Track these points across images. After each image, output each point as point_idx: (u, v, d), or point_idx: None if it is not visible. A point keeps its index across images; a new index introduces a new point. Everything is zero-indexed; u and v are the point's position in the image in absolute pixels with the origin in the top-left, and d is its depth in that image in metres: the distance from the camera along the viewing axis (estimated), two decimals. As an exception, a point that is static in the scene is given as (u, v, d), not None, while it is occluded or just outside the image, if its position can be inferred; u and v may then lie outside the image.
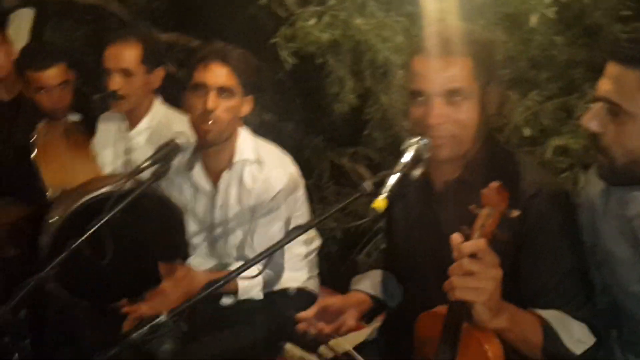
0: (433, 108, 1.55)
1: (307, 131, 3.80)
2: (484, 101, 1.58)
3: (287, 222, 2.28)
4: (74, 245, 1.67)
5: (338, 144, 3.75)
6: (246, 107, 2.19)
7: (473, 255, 1.33)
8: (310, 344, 2.21)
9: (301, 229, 1.52)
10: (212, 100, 2.08)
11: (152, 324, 1.37)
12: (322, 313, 1.75)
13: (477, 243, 1.34)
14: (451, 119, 1.55)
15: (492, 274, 1.33)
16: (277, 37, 2.63)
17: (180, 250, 2.29)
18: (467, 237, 1.37)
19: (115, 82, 2.46)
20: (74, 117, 2.82)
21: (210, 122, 2.09)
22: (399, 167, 1.50)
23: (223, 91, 2.09)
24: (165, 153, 1.94)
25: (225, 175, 2.24)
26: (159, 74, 2.54)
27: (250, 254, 2.23)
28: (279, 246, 1.50)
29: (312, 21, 2.60)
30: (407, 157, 1.52)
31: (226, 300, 2.28)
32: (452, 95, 1.55)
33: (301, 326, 1.74)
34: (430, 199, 1.73)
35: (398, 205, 1.82)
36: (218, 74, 2.09)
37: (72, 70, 2.80)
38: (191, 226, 2.36)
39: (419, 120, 1.58)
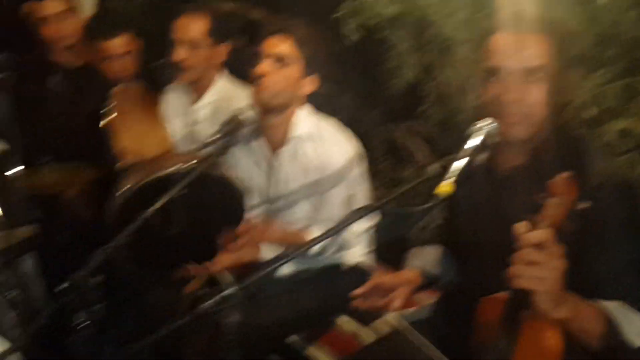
0: (510, 85, 1.55)
1: (363, 104, 3.80)
2: (558, 82, 1.58)
3: (346, 198, 2.32)
4: (145, 215, 1.74)
5: (394, 118, 3.75)
6: (308, 85, 2.21)
7: (538, 245, 1.33)
8: (364, 318, 2.27)
9: (365, 211, 1.55)
10: (264, 65, 2.13)
11: (222, 295, 1.42)
12: (375, 289, 1.79)
13: (543, 233, 1.34)
14: (525, 99, 1.55)
15: (556, 265, 1.33)
16: (341, 11, 2.61)
17: (240, 222, 2.35)
18: (532, 226, 1.38)
19: (180, 53, 2.50)
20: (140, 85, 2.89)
21: (261, 87, 2.14)
22: (465, 151, 1.50)
23: (279, 59, 2.14)
24: (229, 129, 1.98)
25: (282, 150, 2.28)
26: (224, 48, 2.57)
27: (318, 226, 2.27)
28: (344, 225, 1.53)
29: (376, -5, 2.58)
30: (474, 142, 1.52)
31: (284, 270, 2.36)
32: (529, 73, 1.55)
33: (356, 302, 1.78)
34: (495, 183, 1.72)
35: (462, 186, 1.82)
36: (277, 44, 2.15)
37: (138, 40, 2.86)
38: (251, 198, 2.42)
39: (493, 99, 1.58)
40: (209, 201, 2.19)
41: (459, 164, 1.48)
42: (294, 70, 2.16)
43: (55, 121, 2.91)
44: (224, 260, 2.23)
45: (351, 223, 1.54)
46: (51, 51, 2.95)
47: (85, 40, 2.89)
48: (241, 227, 2.16)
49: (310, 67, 2.18)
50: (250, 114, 2.08)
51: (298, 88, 2.20)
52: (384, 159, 3.70)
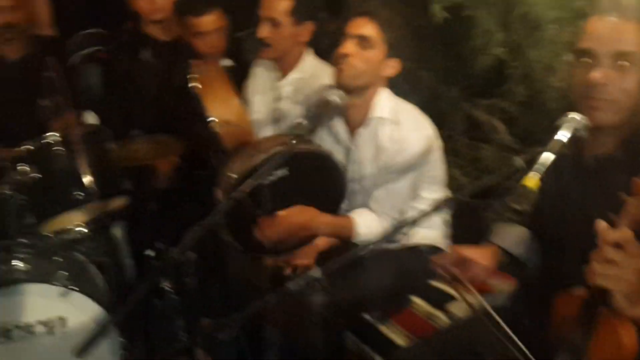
0: (600, 67, 1.54)
1: (444, 81, 3.76)
2: None
3: (420, 184, 2.32)
4: (236, 195, 1.80)
5: (474, 95, 3.69)
6: (390, 68, 2.22)
7: (617, 245, 1.32)
8: (438, 300, 2.29)
9: (450, 202, 1.56)
10: (347, 45, 2.15)
11: (307, 278, 1.48)
12: (456, 260, 1.79)
13: (624, 233, 1.32)
14: (615, 83, 1.54)
15: (635, 265, 1.31)
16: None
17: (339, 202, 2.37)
18: (613, 224, 1.35)
19: (264, 30, 2.54)
20: (227, 62, 2.96)
21: (344, 66, 2.15)
22: (553, 145, 1.48)
23: (362, 40, 2.15)
24: (320, 110, 2.02)
25: (361, 131, 2.30)
26: (308, 27, 2.59)
27: (383, 210, 2.29)
28: (428, 213, 1.55)
29: (466, -26, 2.53)
30: (563, 136, 1.50)
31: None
32: (620, 58, 1.53)
33: (437, 269, 1.78)
34: (579, 173, 1.70)
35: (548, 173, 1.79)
36: (361, 25, 2.16)
37: (226, 16, 2.92)
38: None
39: (582, 81, 1.57)
40: (312, 179, 2.24)
41: (546, 157, 1.46)
42: (377, 52, 2.17)
43: (145, 94, 3.02)
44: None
45: (432, 214, 1.56)
46: (142, 25, 3.05)
47: (177, 16, 2.97)
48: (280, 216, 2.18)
49: (392, 50, 2.18)
50: (339, 96, 2.09)
51: (380, 70, 2.21)
52: (461, 138, 3.65)
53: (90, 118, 3.04)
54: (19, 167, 2.43)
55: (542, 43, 2.79)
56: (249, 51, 3.40)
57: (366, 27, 2.16)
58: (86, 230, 2.61)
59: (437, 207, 1.57)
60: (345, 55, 2.15)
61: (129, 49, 3.06)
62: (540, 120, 3.49)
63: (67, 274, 2.39)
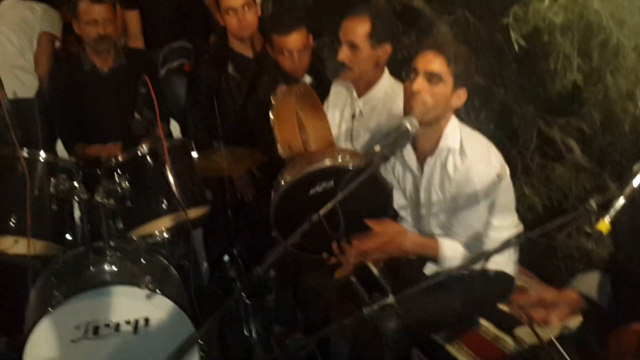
0: None
1: (518, 98, 3.75)
2: None
3: (489, 210, 2.36)
4: (313, 219, 1.90)
5: (549, 113, 3.67)
6: (457, 100, 2.27)
7: None
8: (505, 325, 2.33)
9: (518, 240, 1.60)
10: (418, 83, 2.21)
11: (381, 304, 1.57)
12: (537, 302, 1.83)
13: None
14: None
15: None
16: (509, 17, 2.60)
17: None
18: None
19: (343, 54, 2.62)
20: (308, 79, 3.07)
21: (414, 102, 2.21)
22: (628, 191, 1.51)
23: (432, 76, 2.20)
24: (395, 138, 2.10)
25: (429, 160, 2.35)
26: (386, 49, 2.64)
27: (457, 237, 2.35)
28: (498, 251, 1.60)
29: (546, 2, 2.54)
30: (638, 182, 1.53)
31: (430, 268, 2.46)
32: None
33: (514, 309, 1.83)
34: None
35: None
36: (430, 61, 2.21)
37: (310, 35, 3.02)
38: (400, 200, 2.54)
39: None
40: (362, 196, 2.31)
41: (620, 203, 1.49)
42: (445, 86, 2.22)
43: (228, 107, 3.16)
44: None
45: (503, 250, 1.61)
46: (229, 40, 3.20)
47: (264, 33, 3.10)
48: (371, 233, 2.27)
49: (459, 81, 2.23)
50: (412, 125, 2.16)
51: (449, 102, 2.27)
52: (534, 156, 3.64)
53: (174, 128, 3.21)
54: (112, 176, 2.60)
55: (621, 70, 2.77)
56: (329, 69, 3.51)
57: (434, 63, 2.21)
58: (168, 236, 2.78)
59: (509, 244, 1.61)
60: (417, 92, 2.21)
61: (215, 63, 3.20)
62: (615, 142, 3.46)
63: (151, 277, 2.55)
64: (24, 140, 2.57)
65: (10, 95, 3.01)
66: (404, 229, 2.38)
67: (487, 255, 1.62)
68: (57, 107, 3.27)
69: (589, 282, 1.97)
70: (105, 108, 3.24)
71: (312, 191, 2.34)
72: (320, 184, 2.33)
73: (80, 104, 3.22)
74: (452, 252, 2.33)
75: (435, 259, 2.36)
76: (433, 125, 2.29)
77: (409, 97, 2.24)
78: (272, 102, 2.62)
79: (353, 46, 2.61)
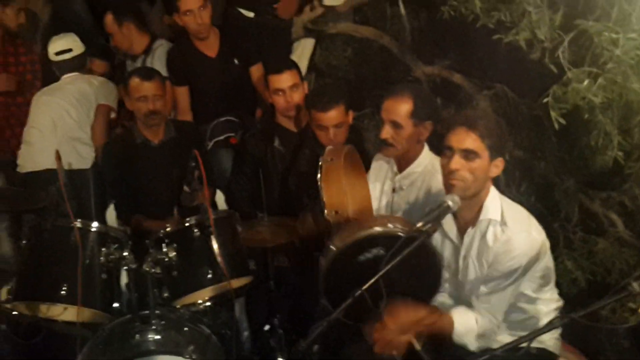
0: None
1: (558, 171, 3.76)
2: None
3: (530, 284, 2.36)
4: (358, 293, 1.94)
5: (590, 187, 3.67)
6: (495, 169, 2.30)
7: None
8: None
9: (561, 321, 1.60)
10: (455, 161, 2.25)
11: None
12: None
13: None
14: None
15: None
16: (549, 96, 2.65)
17: (435, 290, 2.48)
18: None
19: (386, 132, 2.70)
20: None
21: (454, 180, 2.26)
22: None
23: (468, 153, 2.25)
24: (438, 214, 2.14)
25: (470, 231, 2.38)
26: (427, 127, 2.71)
27: (486, 309, 2.34)
28: (542, 333, 1.61)
29: (585, 82, 2.59)
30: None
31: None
32: None
33: None
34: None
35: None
36: (463, 138, 2.26)
37: (349, 111, 3.13)
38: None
39: None
40: (409, 265, 2.30)
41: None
42: (482, 161, 2.26)
43: (272, 179, 3.26)
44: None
45: (548, 331, 1.61)
46: (276, 116, 3.35)
47: (306, 110, 3.22)
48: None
49: (495, 153, 2.27)
50: (454, 202, 2.20)
51: (487, 173, 2.30)
52: (575, 230, 3.62)
53: (219, 199, 3.30)
54: (160, 246, 2.69)
55: (661, 147, 2.78)
56: (369, 139, 3.60)
57: (468, 140, 2.25)
58: (211, 305, 2.83)
59: (553, 325, 1.62)
60: (455, 171, 2.26)
61: (262, 137, 3.34)
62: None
63: (194, 346, 2.59)
64: (77, 210, 2.68)
65: (65, 166, 3.16)
66: (424, 312, 2.34)
67: (532, 337, 1.63)
68: (110, 178, 3.42)
69: None
70: (156, 179, 3.37)
71: (361, 257, 2.36)
72: (370, 250, 2.35)
73: (132, 175, 3.36)
74: (464, 327, 2.33)
75: (448, 335, 2.34)
76: (474, 198, 2.32)
77: (448, 175, 2.28)
78: (321, 163, 2.66)
79: (396, 125, 2.68)
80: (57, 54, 3.72)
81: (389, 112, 2.70)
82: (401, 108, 2.67)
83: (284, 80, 3.20)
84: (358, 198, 2.71)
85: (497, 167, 2.30)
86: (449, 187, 2.29)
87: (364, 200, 2.78)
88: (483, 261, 2.34)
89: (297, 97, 3.24)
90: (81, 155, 3.63)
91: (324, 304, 2.48)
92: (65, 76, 3.74)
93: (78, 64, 3.76)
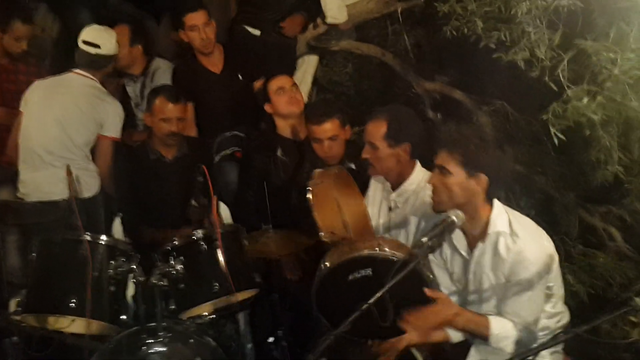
0: None
1: (558, 186, 3.81)
2: None
3: (539, 294, 2.40)
4: (363, 307, 1.98)
5: (590, 201, 3.71)
6: (475, 185, 2.33)
7: None
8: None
9: (564, 336, 1.64)
10: (432, 178, 2.38)
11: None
12: None
13: None
14: None
15: None
16: (548, 113, 2.71)
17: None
18: None
19: (365, 152, 2.81)
20: (351, 165, 3.21)
21: (433, 195, 2.38)
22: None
23: (442, 170, 2.35)
24: (441, 230, 2.19)
25: (480, 245, 2.42)
26: (405, 148, 2.77)
27: (516, 319, 2.36)
28: (547, 347, 1.65)
29: (585, 100, 2.64)
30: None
31: (473, 356, 2.48)
32: None
33: None
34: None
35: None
36: (440, 157, 2.37)
37: (347, 126, 3.20)
38: (446, 282, 2.58)
39: None
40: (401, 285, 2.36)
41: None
42: (456, 178, 2.33)
43: (276, 190, 3.31)
44: (412, 339, 2.43)
45: (552, 346, 1.64)
46: (277, 126, 3.43)
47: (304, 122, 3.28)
48: (428, 309, 2.33)
49: (473, 169, 2.32)
50: (457, 216, 2.25)
51: (468, 189, 2.34)
52: (575, 244, 3.66)
53: (224, 212, 3.35)
54: (168, 259, 2.73)
55: (660, 162, 2.83)
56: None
57: (442, 159, 2.36)
58: (217, 317, 2.87)
59: (557, 340, 1.66)
60: (433, 186, 2.38)
61: (265, 148, 3.42)
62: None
63: (199, 358, 2.63)
64: (86, 223, 2.73)
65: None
66: (461, 309, 2.41)
67: (537, 350, 1.66)
68: (121, 191, 3.45)
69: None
70: (168, 193, 3.42)
71: (351, 277, 2.42)
72: (359, 271, 2.41)
73: (145, 190, 3.42)
74: (503, 330, 2.35)
75: (485, 338, 2.37)
76: (471, 212, 2.37)
77: (431, 190, 2.40)
78: (310, 187, 2.72)
79: (373, 146, 2.77)
80: (85, 43, 3.41)
81: (367, 133, 2.80)
82: (376, 131, 2.76)
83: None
84: (354, 215, 2.77)
85: (479, 183, 2.34)
86: (433, 203, 2.39)
87: (361, 216, 2.84)
88: (499, 274, 2.38)
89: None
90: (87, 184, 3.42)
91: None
92: (77, 70, 3.44)
93: (98, 65, 3.43)
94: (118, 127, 3.47)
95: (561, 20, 2.77)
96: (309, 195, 2.68)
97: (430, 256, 2.53)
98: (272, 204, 3.14)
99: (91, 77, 3.43)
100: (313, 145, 3.21)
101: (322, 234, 2.64)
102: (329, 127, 3.14)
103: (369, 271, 2.39)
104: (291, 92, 3.38)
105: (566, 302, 2.59)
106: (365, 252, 2.42)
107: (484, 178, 2.33)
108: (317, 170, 2.85)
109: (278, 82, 3.40)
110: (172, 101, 3.32)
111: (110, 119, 3.42)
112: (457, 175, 2.33)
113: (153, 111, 3.36)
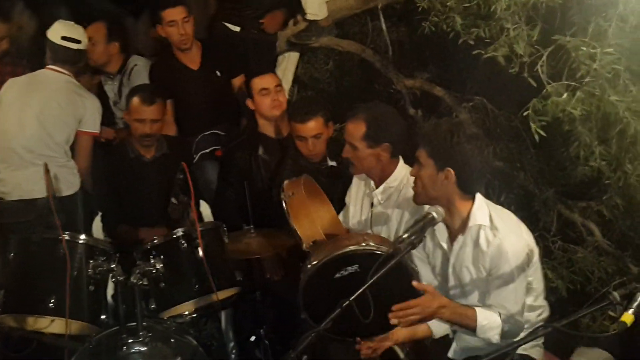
0: None
1: (537, 182, 3.84)
2: None
3: (519, 288, 2.42)
4: (345, 304, 1.97)
5: (569, 197, 3.74)
6: (444, 179, 2.34)
7: None
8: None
9: (545, 329, 1.65)
10: (413, 168, 2.43)
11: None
12: None
13: None
14: None
15: None
16: (529, 109, 2.72)
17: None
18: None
19: (346, 151, 2.82)
20: (332, 163, 3.21)
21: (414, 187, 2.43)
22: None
23: (417, 162, 2.39)
24: (422, 226, 2.19)
25: (460, 238, 2.43)
26: (384, 147, 2.77)
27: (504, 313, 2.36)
28: (527, 341, 1.65)
29: (564, 96, 2.66)
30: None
31: (454, 351, 2.50)
32: None
33: None
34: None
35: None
36: (418, 150, 2.40)
37: (329, 123, 3.20)
38: (429, 276, 2.58)
39: None
40: (389, 281, 2.34)
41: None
42: (426, 170, 2.37)
43: (258, 188, 3.29)
44: (399, 335, 2.45)
45: (533, 339, 1.65)
46: (259, 124, 3.41)
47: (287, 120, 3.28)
48: (415, 301, 2.32)
49: (441, 164, 2.34)
50: (437, 212, 2.26)
51: (438, 182, 2.36)
52: (555, 240, 3.69)
53: (205, 210, 3.33)
54: (148, 258, 2.70)
55: (639, 158, 2.85)
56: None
57: (419, 151, 2.40)
58: (198, 316, 2.85)
59: (537, 334, 1.67)
60: (414, 177, 2.42)
61: (247, 146, 3.40)
62: (636, 226, 3.50)
63: (180, 358, 2.60)
64: (65, 222, 2.69)
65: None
66: (448, 301, 2.39)
67: (516, 345, 1.67)
68: (100, 189, 3.43)
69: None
70: (147, 192, 3.40)
71: (337, 274, 2.41)
72: (346, 268, 2.41)
73: (124, 189, 3.39)
74: (490, 321, 2.35)
75: (472, 329, 2.37)
76: (448, 205, 2.38)
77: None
78: (284, 199, 2.71)
79: (352, 146, 2.78)
80: (64, 39, 3.34)
81: (347, 134, 2.81)
82: (355, 131, 2.76)
83: (265, 82, 3.27)
84: (327, 222, 2.81)
85: (447, 177, 2.35)
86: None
87: (333, 221, 2.88)
88: (480, 267, 2.39)
89: (281, 97, 3.33)
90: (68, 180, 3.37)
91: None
92: (53, 67, 3.39)
93: (75, 60, 3.40)
94: (97, 122, 3.43)
95: (540, 17, 2.79)
96: (285, 207, 2.68)
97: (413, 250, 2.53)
98: (255, 203, 3.13)
99: (67, 72, 3.39)
100: (296, 143, 3.19)
101: (304, 244, 2.65)
102: (313, 126, 3.13)
103: (356, 267, 2.39)
104: (275, 94, 3.35)
105: (546, 298, 2.61)
106: (351, 248, 2.42)
107: (451, 172, 2.34)
108: (286, 182, 2.84)
109: (263, 82, 3.36)
110: (147, 103, 3.30)
111: (89, 114, 3.39)
112: (428, 167, 2.36)
113: (130, 110, 3.36)
